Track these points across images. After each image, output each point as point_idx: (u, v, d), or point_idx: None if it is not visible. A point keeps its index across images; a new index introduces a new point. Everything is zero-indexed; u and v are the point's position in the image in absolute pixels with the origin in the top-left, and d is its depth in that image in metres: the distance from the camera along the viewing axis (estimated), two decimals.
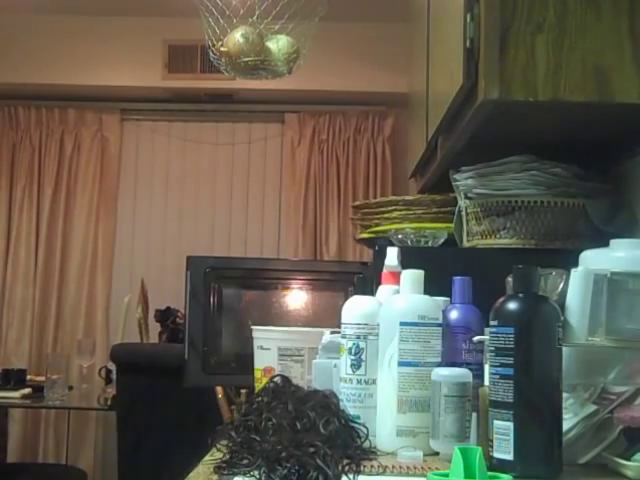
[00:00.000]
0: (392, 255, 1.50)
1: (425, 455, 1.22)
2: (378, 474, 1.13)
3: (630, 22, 1.42)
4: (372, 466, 1.16)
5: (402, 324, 1.30)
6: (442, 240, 1.93)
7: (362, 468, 1.11)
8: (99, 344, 4.37)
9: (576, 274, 1.28)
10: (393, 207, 2.13)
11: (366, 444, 1.23)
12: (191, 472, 1.16)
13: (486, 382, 1.20)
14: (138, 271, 4.51)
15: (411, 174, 2.80)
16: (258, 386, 1.58)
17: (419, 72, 2.41)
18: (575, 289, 1.27)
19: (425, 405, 1.27)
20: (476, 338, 1.33)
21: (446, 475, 0.99)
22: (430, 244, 1.91)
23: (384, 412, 1.31)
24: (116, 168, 4.70)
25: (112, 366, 3.73)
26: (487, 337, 1.21)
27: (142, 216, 4.73)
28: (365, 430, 1.25)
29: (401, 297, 1.36)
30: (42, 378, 3.71)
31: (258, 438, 1.14)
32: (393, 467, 1.17)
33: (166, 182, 4.72)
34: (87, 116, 4.63)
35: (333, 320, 1.49)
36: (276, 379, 1.35)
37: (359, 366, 1.35)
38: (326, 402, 1.25)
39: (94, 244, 4.64)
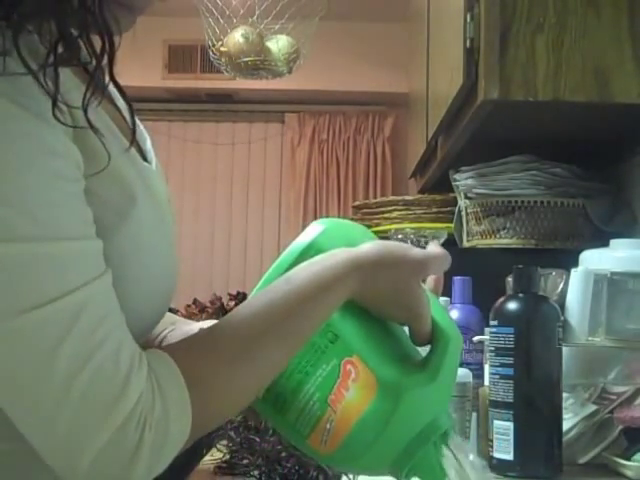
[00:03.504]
0: None
1: None
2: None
3: (630, 22, 1.42)
4: None
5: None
6: (442, 240, 1.93)
7: None
8: None
9: (576, 274, 1.28)
10: (393, 207, 2.14)
11: None
12: (191, 472, 1.16)
13: (486, 382, 1.20)
14: None
15: (411, 174, 2.80)
16: None
17: (419, 72, 2.41)
18: (575, 289, 1.27)
19: None
20: (476, 338, 1.34)
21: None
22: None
23: None
24: None
25: None
26: (487, 337, 1.21)
27: None
28: None
29: None
30: None
31: (258, 438, 1.14)
32: None
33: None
34: None
35: None
36: None
37: None
38: None
39: None
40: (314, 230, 0.82)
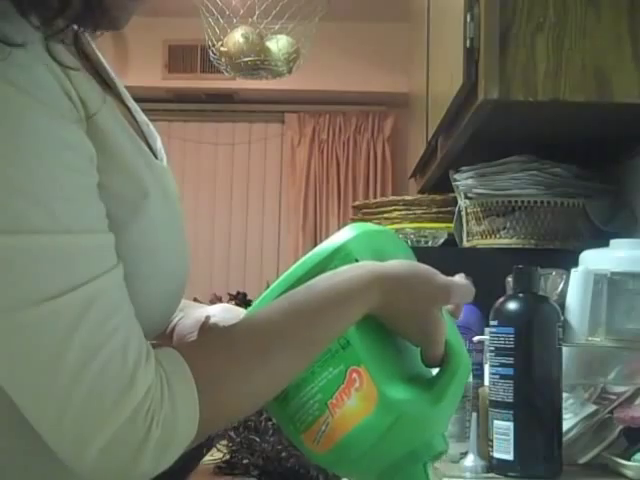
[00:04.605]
0: None
1: None
2: None
3: (630, 22, 1.42)
4: None
5: None
6: (442, 240, 1.93)
7: None
8: None
9: (576, 274, 1.28)
10: (393, 207, 2.13)
11: None
12: (191, 472, 1.16)
13: (486, 382, 1.20)
14: None
15: (411, 174, 2.80)
16: None
17: (419, 72, 2.41)
18: (575, 289, 1.27)
19: None
20: (476, 338, 1.33)
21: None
22: (430, 244, 1.91)
23: None
24: None
25: None
26: (487, 337, 1.21)
27: None
28: None
29: None
30: None
31: (258, 438, 1.14)
32: None
33: None
34: None
35: None
36: None
37: None
38: None
39: None
40: (345, 234, 0.81)
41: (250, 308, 0.82)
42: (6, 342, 0.62)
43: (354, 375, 0.76)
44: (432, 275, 0.78)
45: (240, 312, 0.94)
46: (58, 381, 0.61)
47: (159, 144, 0.87)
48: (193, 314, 0.95)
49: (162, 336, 0.92)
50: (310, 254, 0.81)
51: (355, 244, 0.80)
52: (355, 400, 0.75)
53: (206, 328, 0.89)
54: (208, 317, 0.92)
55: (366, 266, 0.77)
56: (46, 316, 0.61)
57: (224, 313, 0.95)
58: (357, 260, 0.79)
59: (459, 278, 0.81)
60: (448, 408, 0.79)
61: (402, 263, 0.79)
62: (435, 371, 0.79)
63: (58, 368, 0.61)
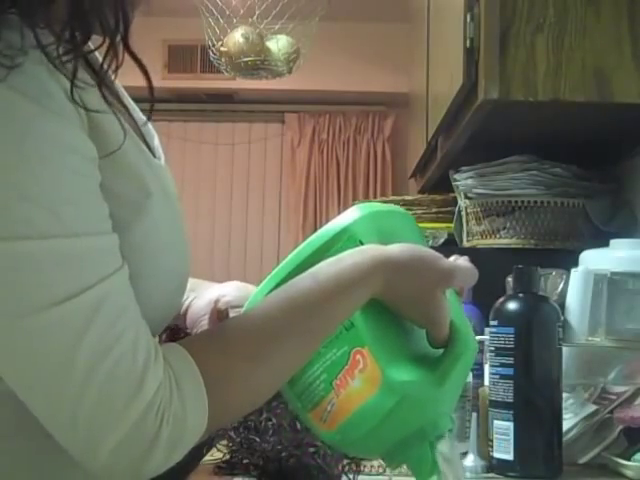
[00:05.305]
0: None
1: None
2: (378, 474, 1.13)
3: (630, 22, 1.42)
4: (372, 466, 1.16)
5: None
6: (442, 240, 1.93)
7: (362, 468, 1.11)
8: None
9: (576, 274, 1.29)
10: None
11: None
12: (191, 472, 1.16)
13: (486, 382, 1.20)
14: None
15: (411, 174, 2.80)
16: None
17: (419, 72, 2.41)
18: (575, 289, 1.27)
19: None
20: (476, 338, 1.33)
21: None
22: (430, 244, 1.91)
23: None
24: None
25: None
26: (487, 337, 1.21)
27: None
28: None
29: None
30: None
31: (258, 438, 1.14)
32: None
33: None
34: None
35: None
36: None
37: None
38: None
39: None
40: (350, 216, 0.80)
41: (254, 293, 0.82)
42: (16, 347, 0.62)
43: (358, 357, 0.76)
44: (435, 259, 0.78)
45: (252, 290, 0.93)
46: (70, 384, 0.62)
47: (156, 142, 0.87)
48: (205, 294, 0.95)
49: (177, 317, 0.93)
50: (314, 236, 0.80)
51: (360, 226, 0.79)
52: (359, 381, 0.75)
53: (216, 314, 0.89)
54: (217, 300, 0.92)
55: (369, 251, 0.76)
56: (55, 321, 0.61)
57: (236, 292, 0.96)
58: (362, 242, 0.78)
59: (462, 261, 0.81)
60: (453, 389, 0.78)
61: (405, 247, 0.78)
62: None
63: (69, 371, 0.62)
